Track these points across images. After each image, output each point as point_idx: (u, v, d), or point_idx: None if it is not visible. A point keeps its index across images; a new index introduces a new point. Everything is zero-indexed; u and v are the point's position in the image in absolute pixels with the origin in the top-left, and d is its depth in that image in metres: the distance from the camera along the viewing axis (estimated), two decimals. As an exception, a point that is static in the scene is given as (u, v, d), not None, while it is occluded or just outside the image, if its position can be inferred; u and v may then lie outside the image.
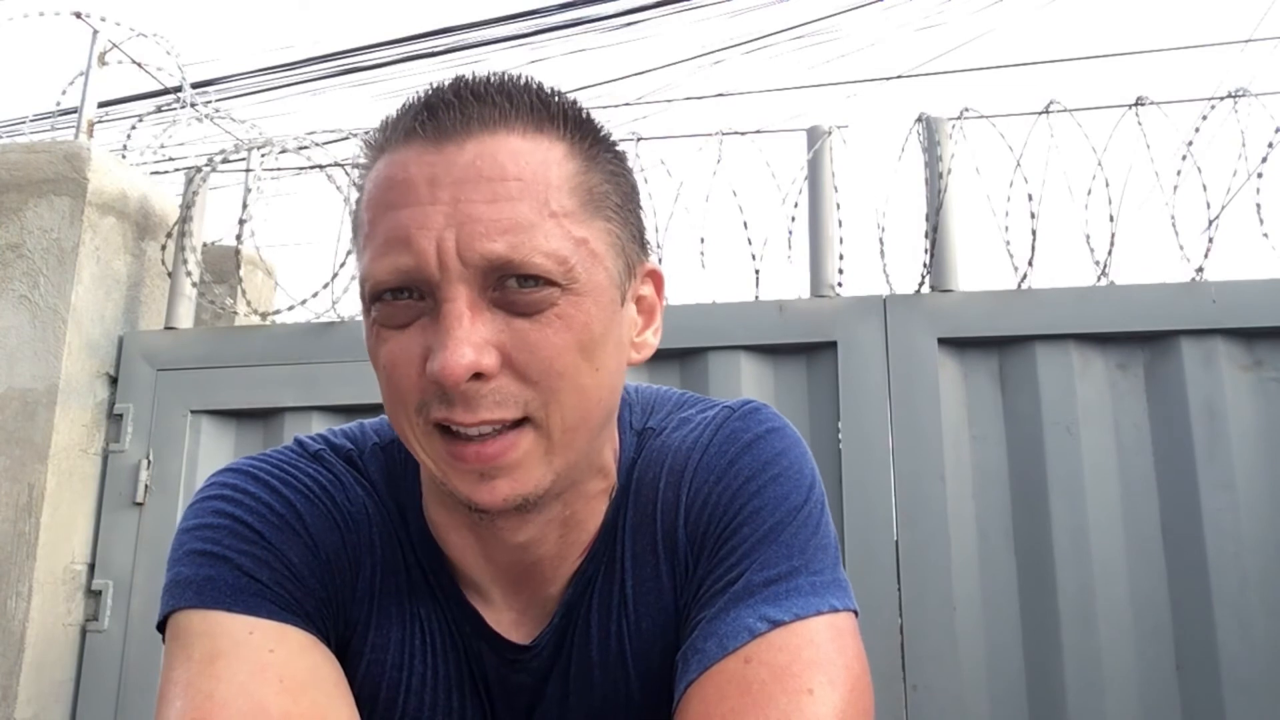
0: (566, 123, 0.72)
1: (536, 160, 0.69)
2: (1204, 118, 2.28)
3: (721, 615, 0.75)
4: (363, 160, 0.75)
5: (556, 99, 0.73)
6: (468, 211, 0.67)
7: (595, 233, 0.71)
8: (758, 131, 2.52)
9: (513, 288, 0.67)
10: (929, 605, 2.09)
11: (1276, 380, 2.13)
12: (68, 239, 2.46)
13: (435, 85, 0.72)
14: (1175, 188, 2.25)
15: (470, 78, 0.72)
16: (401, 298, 0.69)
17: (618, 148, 0.77)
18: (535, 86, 0.72)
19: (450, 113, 0.69)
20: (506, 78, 0.72)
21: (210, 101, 3.58)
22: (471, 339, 0.66)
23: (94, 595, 2.40)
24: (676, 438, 0.84)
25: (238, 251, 2.61)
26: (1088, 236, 2.29)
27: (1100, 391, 2.18)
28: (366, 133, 0.76)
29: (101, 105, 2.95)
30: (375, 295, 0.69)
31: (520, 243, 0.67)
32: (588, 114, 0.75)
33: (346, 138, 2.72)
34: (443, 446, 0.70)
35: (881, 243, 2.32)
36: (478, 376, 0.67)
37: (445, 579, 0.82)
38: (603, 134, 0.76)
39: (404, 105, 0.73)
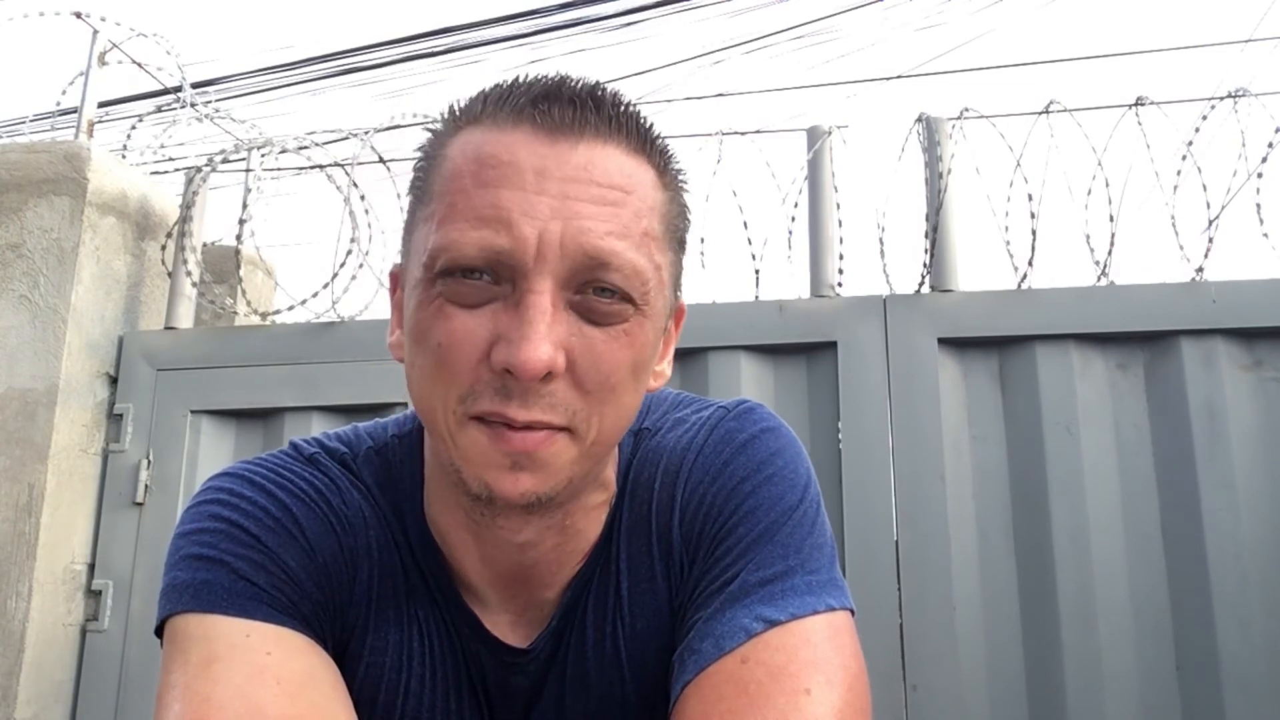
0: (660, 153, 0.74)
1: (637, 179, 0.71)
2: (1204, 118, 2.28)
3: (717, 615, 0.75)
4: (436, 126, 0.75)
5: (653, 127, 0.74)
6: (574, 210, 0.67)
7: (666, 262, 0.73)
8: (758, 131, 2.52)
9: (593, 295, 0.68)
10: (929, 605, 2.09)
11: (1276, 380, 2.13)
12: (68, 239, 2.46)
13: (545, 77, 0.72)
14: (1175, 188, 2.25)
15: (581, 81, 0.72)
16: (474, 277, 0.68)
17: (688, 187, 0.79)
18: (636, 108, 0.74)
19: (565, 110, 0.69)
20: (613, 92, 0.73)
21: (210, 101, 3.58)
22: (551, 336, 0.66)
23: (94, 595, 2.40)
24: (672, 438, 0.84)
25: (238, 251, 2.61)
26: (1088, 236, 2.29)
27: (1100, 391, 2.18)
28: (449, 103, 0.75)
29: (101, 105, 2.95)
30: (448, 269, 0.68)
31: (616, 252, 0.68)
32: (672, 148, 0.77)
33: (346, 138, 2.72)
34: (480, 433, 0.69)
35: (881, 243, 2.32)
36: (544, 375, 0.67)
37: (444, 581, 0.82)
38: (681, 170, 0.77)
39: (507, 86, 0.72)
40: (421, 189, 0.74)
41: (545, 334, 0.66)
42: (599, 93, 0.71)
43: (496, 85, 0.73)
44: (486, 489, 0.70)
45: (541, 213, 0.66)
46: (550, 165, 0.68)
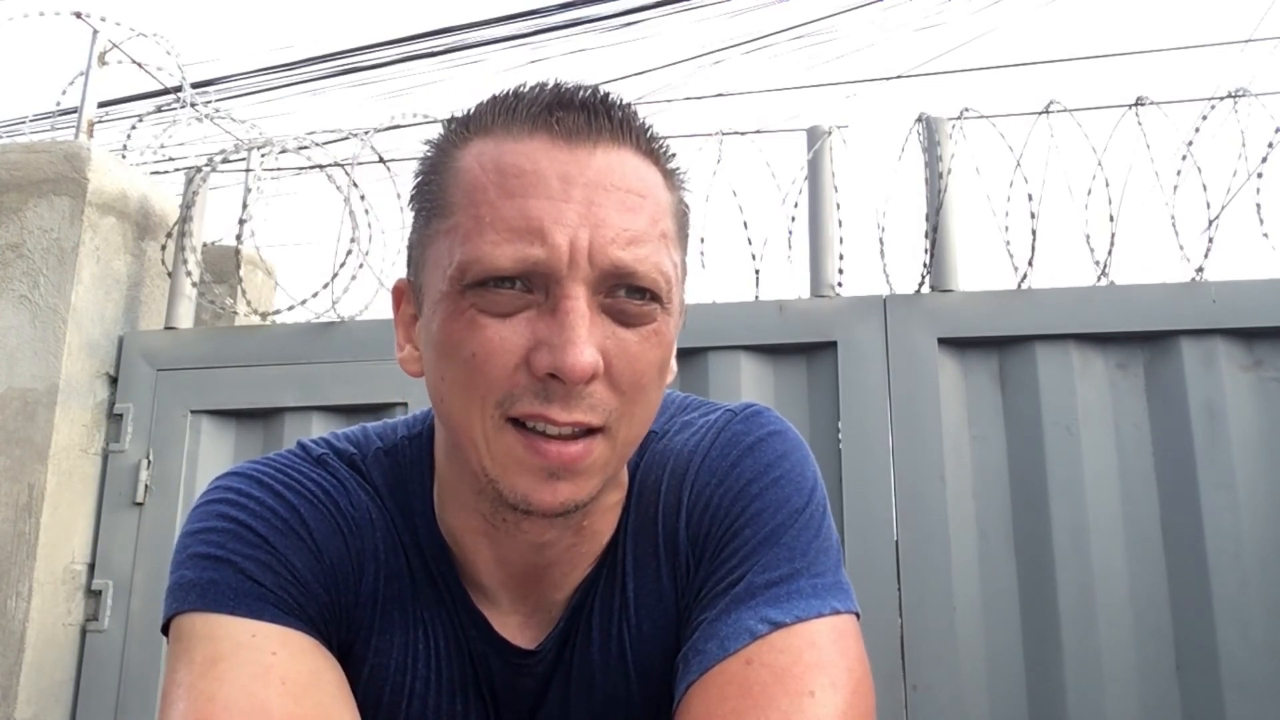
0: (664, 154, 0.75)
1: (650, 182, 0.72)
2: (1204, 118, 2.28)
3: (723, 617, 0.75)
4: (435, 137, 0.76)
5: (655, 129, 0.76)
6: (601, 215, 0.68)
7: (680, 261, 0.75)
8: (758, 131, 2.52)
9: (623, 297, 0.69)
10: (929, 605, 2.09)
11: (1276, 380, 2.13)
12: (68, 239, 2.46)
13: (549, 85, 0.73)
14: (1175, 188, 2.25)
15: (587, 88, 0.73)
16: (506, 286, 0.68)
17: (688, 186, 0.80)
18: (637, 112, 0.75)
19: (579, 116, 0.70)
20: (617, 96, 0.74)
21: (210, 101, 3.58)
22: (591, 340, 0.67)
23: (94, 595, 2.40)
24: (679, 441, 0.85)
25: (238, 251, 2.61)
26: (1088, 236, 2.29)
27: (1100, 391, 2.18)
28: (454, 113, 0.76)
29: (101, 105, 2.95)
30: (480, 280, 0.68)
31: (644, 255, 0.69)
32: (671, 148, 0.78)
33: (346, 138, 2.72)
34: (516, 441, 0.69)
35: (881, 243, 2.32)
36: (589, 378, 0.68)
37: (453, 583, 0.82)
38: (681, 170, 0.78)
39: (512, 96, 0.73)
40: (434, 202, 0.73)
41: (587, 338, 0.67)
42: (606, 98, 0.72)
43: (500, 95, 0.74)
44: (525, 500, 0.70)
45: (571, 220, 0.67)
46: (572, 171, 0.68)
